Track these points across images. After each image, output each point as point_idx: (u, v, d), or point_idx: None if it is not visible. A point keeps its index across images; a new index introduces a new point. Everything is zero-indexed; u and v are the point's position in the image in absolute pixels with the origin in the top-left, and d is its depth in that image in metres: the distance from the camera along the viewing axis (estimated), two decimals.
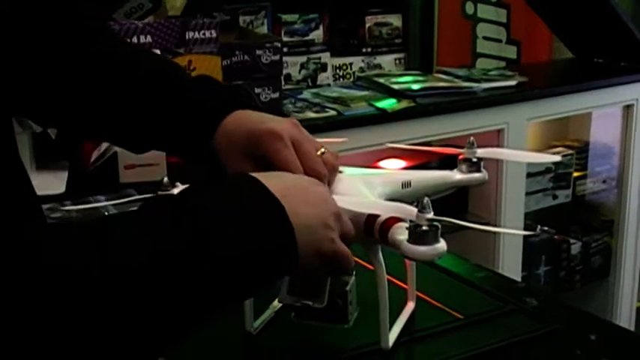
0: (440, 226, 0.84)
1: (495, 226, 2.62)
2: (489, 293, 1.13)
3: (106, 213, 1.27)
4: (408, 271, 1.07)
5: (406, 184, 1.02)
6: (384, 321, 0.95)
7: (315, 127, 2.12)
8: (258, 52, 2.16)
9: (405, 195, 1.02)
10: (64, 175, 1.70)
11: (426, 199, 0.83)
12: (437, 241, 0.83)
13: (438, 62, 3.51)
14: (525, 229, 2.69)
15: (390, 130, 2.27)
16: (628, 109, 2.83)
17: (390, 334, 0.99)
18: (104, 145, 1.68)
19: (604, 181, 3.00)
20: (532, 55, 3.50)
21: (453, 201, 2.69)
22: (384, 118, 2.29)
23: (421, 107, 2.36)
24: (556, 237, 2.92)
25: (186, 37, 1.94)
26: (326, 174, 0.92)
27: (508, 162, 2.54)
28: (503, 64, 3.50)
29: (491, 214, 2.64)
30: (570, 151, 2.90)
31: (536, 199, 2.81)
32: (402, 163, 2.50)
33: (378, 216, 0.89)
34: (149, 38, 1.89)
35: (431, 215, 0.83)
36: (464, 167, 1.07)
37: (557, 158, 1.14)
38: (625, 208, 2.91)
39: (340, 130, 2.20)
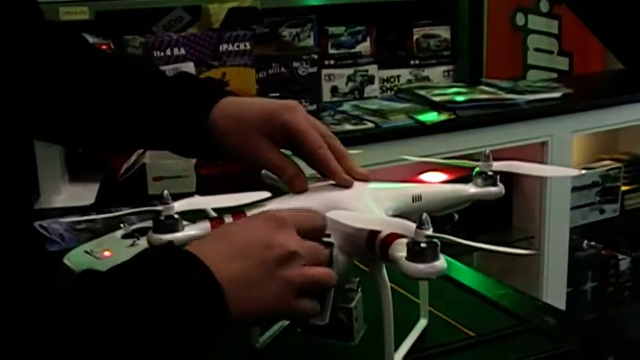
0: (439, 243, 0.81)
1: (540, 241, 2.58)
2: (506, 311, 1.09)
3: (122, 225, 1.27)
4: (420, 287, 1.05)
5: (417, 198, 1.00)
6: (388, 341, 0.93)
7: (353, 140, 2.11)
8: (295, 64, 2.16)
9: (416, 209, 1.00)
10: (95, 187, 1.71)
11: (424, 215, 0.81)
12: (436, 258, 0.81)
13: (488, 74, 3.46)
14: (571, 244, 2.64)
15: (429, 143, 2.25)
16: None
17: (398, 352, 0.96)
18: (133, 157, 1.68)
19: None
20: (585, 67, 3.43)
21: (496, 215, 2.66)
22: (423, 130, 2.27)
23: (461, 119, 2.34)
24: (604, 252, 2.85)
25: (221, 49, 1.94)
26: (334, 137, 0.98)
27: (552, 177, 2.50)
28: (554, 75, 3.44)
29: (536, 229, 2.60)
30: (618, 165, 2.83)
31: (582, 214, 2.75)
32: (443, 177, 2.47)
33: (379, 232, 0.87)
34: (183, 50, 1.89)
35: (430, 232, 0.80)
36: (479, 181, 1.05)
37: (578, 172, 1.11)
38: None
39: (378, 142, 2.18)
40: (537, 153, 2.47)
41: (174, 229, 0.89)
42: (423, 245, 0.80)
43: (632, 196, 2.89)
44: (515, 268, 2.66)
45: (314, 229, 0.85)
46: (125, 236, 1.22)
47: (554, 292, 2.61)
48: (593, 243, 2.83)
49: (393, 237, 0.85)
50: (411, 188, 1.01)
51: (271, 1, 2.95)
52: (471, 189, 1.04)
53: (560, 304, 2.62)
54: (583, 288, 2.80)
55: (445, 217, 2.65)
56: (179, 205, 0.91)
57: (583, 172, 1.11)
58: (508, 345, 1.01)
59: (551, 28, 3.52)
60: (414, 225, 0.81)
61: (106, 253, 1.16)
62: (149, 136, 1.03)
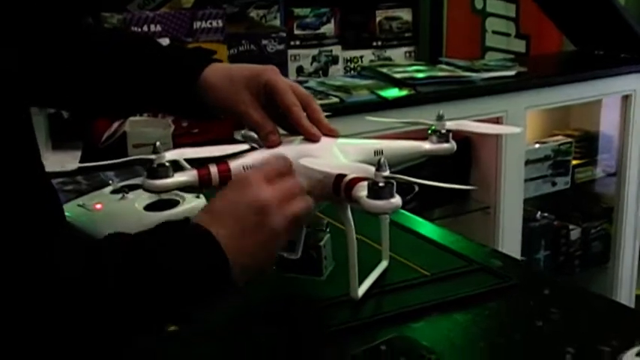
0: (395, 183, 0.94)
1: (496, 211, 2.73)
2: (457, 255, 1.23)
3: (110, 182, 1.39)
4: (382, 233, 1.18)
5: (378, 152, 1.12)
6: (353, 272, 1.06)
7: None
8: (264, 41, 2.27)
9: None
10: (77, 154, 1.82)
11: (382, 159, 0.94)
12: (392, 196, 0.94)
13: (447, 55, 3.58)
14: (525, 214, 2.79)
15: (391, 117, 2.36)
16: (626, 99, 2.92)
17: (361, 286, 1.09)
18: (114, 126, 1.80)
19: (604, 169, 3.09)
20: (542, 49, 3.56)
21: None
22: (384, 105, 2.40)
23: (421, 95, 2.47)
24: (555, 223, 3.00)
25: (194, 26, 2.05)
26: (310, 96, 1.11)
27: (507, 150, 2.65)
28: (511, 57, 3.57)
29: (492, 200, 2.74)
30: (569, 140, 2.99)
31: (535, 186, 2.90)
32: None
33: (345, 176, 1.00)
34: (159, 27, 2.00)
35: (387, 173, 0.93)
36: (434, 138, 1.17)
37: (518, 130, 1.24)
38: (624, 196, 2.99)
39: (342, 116, 2.30)
40: None
41: (166, 176, 1.01)
42: (381, 185, 0.93)
43: (582, 169, 3.04)
44: (471, 236, 2.80)
45: (280, 172, 0.97)
46: (114, 192, 1.34)
47: None
48: (545, 214, 2.98)
49: (356, 180, 0.98)
50: (373, 143, 1.14)
51: None
52: (426, 145, 1.17)
53: None
54: (536, 256, 2.95)
55: (406, 188, 2.79)
56: (170, 155, 1.03)
57: (520, 129, 1.26)
58: (459, 282, 1.14)
59: (509, 12, 3.65)
60: (373, 168, 0.94)
61: (98, 206, 1.28)
62: (149, 97, 1.15)
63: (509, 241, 2.74)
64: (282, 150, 1.06)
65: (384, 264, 1.18)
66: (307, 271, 1.10)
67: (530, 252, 2.90)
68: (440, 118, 1.17)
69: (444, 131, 1.17)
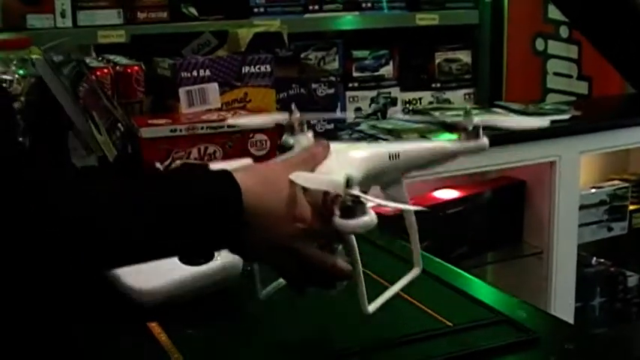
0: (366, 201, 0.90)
1: (549, 256, 2.69)
2: (482, 304, 1.22)
3: None
4: (411, 237, 1.15)
5: (394, 156, 1.04)
6: (361, 288, 1.01)
7: None
8: (314, 85, 2.30)
9: (394, 167, 1.05)
10: None
11: (350, 176, 0.91)
12: (364, 214, 0.91)
13: (507, 98, 3.57)
14: (579, 260, 2.75)
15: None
16: None
17: (380, 298, 1.08)
18: (167, 161, 1.83)
19: None
20: (604, 91, 3.53)
21: (507, 230, 2.78)
22: None
23: None
24: (612, 269, 2.95)
25: (243, 71, 2.09)
26: None
27: (560, 195, 2.62)
28: (573, 99, 3.54)
29: (545, 244, 2.71)
30: (626, 184, 2.95)
31: (590, 231, 2.86)
32: (456, 194, 2.61)
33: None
34: (208, 72, 2.05)
35: (356, 192, 0.90)
36: (462, 136, 1.08)
37: (546, 123, 1.20)
38: None
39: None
40: (547, 172, 2.59)
41: None
42: (349, 204, 0.90)
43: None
44: (524, 282, 2.77)
45: None
46: None
47: (563, 306, 2.71)
48: (601, 260, 2.94)
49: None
50: (387, 147, 1.06)
51: (299, 26, 3.12)
52: (451, 145, 1.09)
53: (569, 318, 2.72)
54: (591, 303, 2.90)
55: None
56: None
57: (547, 123, 1.24)
58: (480, 333, 1.13)
59: (571, 53, 3.63)
60: (341, 184, 0.90)
61: None
62: None
63: (563, 287, 2.71)
64: None
65: (415, 271, 1.16)
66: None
67: (586, 298, 2.86)
68: (467, 113, 1.10)
69: (470, 128, 1.09)
